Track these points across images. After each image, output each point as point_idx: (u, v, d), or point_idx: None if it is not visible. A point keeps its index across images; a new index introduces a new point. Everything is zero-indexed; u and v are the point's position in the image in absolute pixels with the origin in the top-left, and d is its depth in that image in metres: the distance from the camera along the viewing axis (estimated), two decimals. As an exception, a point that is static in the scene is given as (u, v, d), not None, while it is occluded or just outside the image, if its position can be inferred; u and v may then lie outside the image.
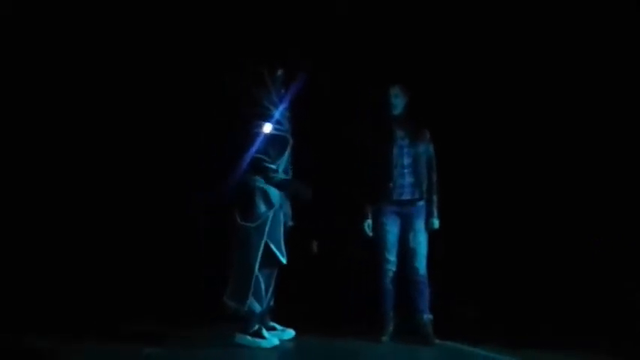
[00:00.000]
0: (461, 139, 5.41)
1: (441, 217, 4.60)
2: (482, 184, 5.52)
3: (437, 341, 4.40)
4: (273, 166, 4.29)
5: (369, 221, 4.66)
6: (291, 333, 4.50)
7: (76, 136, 5.99)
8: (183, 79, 5.81)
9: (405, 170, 4.58)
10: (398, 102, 4.68)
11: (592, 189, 5.23)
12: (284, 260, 4.35)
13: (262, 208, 4.24)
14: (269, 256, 4.28)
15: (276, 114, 4.34)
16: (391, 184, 4.56)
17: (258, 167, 4.26)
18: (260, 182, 4.26)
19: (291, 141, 4.43)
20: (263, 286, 4.29)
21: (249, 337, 4.21)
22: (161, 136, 5.97)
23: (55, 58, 5.85)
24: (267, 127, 4.27)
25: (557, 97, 5.37)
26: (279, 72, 4.45)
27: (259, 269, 4.23)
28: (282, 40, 5.15)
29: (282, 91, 4.44)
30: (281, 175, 4.34)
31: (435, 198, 4.61)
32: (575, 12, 5.18)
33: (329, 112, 5.41)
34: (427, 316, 4.49)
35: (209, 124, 5.45)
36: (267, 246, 4.25)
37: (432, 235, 4.61)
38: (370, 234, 4.65)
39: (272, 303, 4.46)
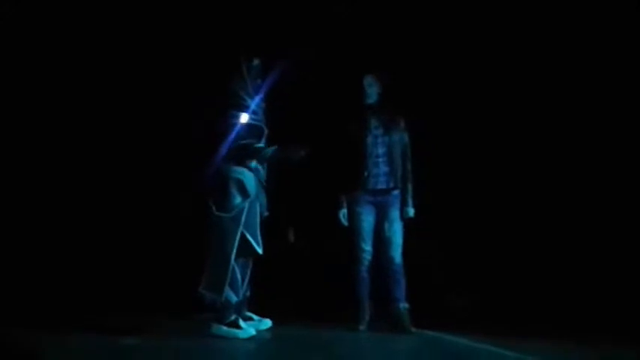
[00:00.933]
0: (440, 127, 5.44)
1: (417, 206, 4.62)
2: (470, 173, 5.56)
3: (414, 330, 4.42)
4: (261, 144, 4.29)
5: (345, 211, 4.68)
6: (267, 323, 4.48)
7: (60, 133, 5.93)
8: (173, 78, 5.78)
9: (380, 159, 4.60)
10: (372, 91, 4.70)
11: (581, 175, 5.33)
12: (260, 250, 4.32)
13: (238, 198, 4.22)
14: (245, 247, 4.25)
15: (252, 104, 4.32)
16: (366, 174, 4.58)
17: (248, 152, 4.24)
18: (235, 172, 4.24)
19: (266, 131, 4.42)
20: (239, 277, 4.27)
21: (225, 328, 4.18)
22: (146, 131, 5.93)
23: (54, 58, 5.81)
24: (244, 117, 4.26)
25: (534, 81, 5.45)
26: (256, 62, 4.43)
27: (235, 259, 4.20)
28: (260, 30, 5.14)
29: (259, 81, 4.43)
30: (254, 167, 4.33)
31: (409, 187, 4.64)
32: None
33: (304, 103, 5.41)
34: (403, 305, 4.51)
35: (197, 120, 5.39)
36: (243, 236, 4.23)
37: (419, 225, 4.63)
38: (346, 223, 4.67)
39: (248, 293, 4.44)
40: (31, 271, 5.53)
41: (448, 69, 5.62)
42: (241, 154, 4.24)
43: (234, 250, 4.18)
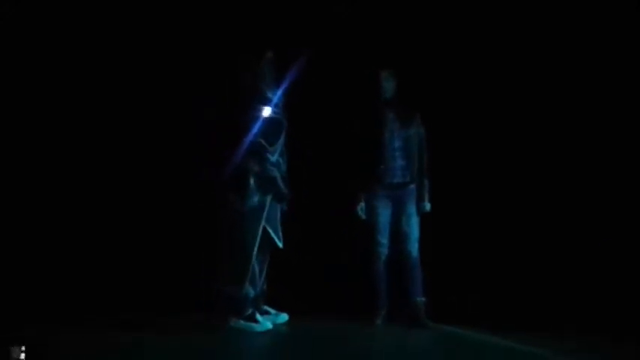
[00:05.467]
0: (454, 122, 5.41)
1: (434, 201, 4.62)
2: (481, 167, 5.53)
3: (431, 324, 4.43)
4: (272, 158, 4.28)
5: (362, 204, 4.67)
6: (284, 317, 4.50)
7: (72, 126, 5.96)
8: (177, 71, 5.79)
9: (397, 153, 4.59)
10: (388, 86, 4.69)
11: (589, 179, 5.29)
12: (280, 244, 4.36)
13: (260, 192, 4.24)
14: (265, 241, 4.30)
15: (274, 98, 4.33)
16: (383, 168, 4.57)
17: (257, 153, 4.24)
18: (257, 166, 4.25)
19: (286, 124, 4.42)
20: (257, 270, 4.30)
21: (242, 322, 4.21)
22: (157, 123, 5.93)
23: (55, 58, 5.82)
24: (267, 111, 4.26)
25: (549, 82, 5.41)
26: (269, 54, 4.42)
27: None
28: (274, 25, 5.13)
29: (276, 74, 4.43)
30: (276, 161, 4.33)
31: (426, 181, 4.63)
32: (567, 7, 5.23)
33: (320, 98, 5.39)
34: (420, 299, 4.51)
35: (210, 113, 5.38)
36: (264, 230, 4.27)
37: (432, 219, 4.63)
38: (363, 217, 4.67)
39: (265, 287, 4.46)
40: (35, 269, 5.57)
41: (457, 65, 5.58)
42: (259, 153, 4.26)
43: (257, 245, 4.21)
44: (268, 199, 4.26)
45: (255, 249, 4.21)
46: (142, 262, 5.65)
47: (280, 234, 4.38)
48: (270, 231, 4.29)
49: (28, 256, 5.57)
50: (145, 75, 5.79)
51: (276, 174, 4.30)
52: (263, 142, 4.24)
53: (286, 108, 4.46)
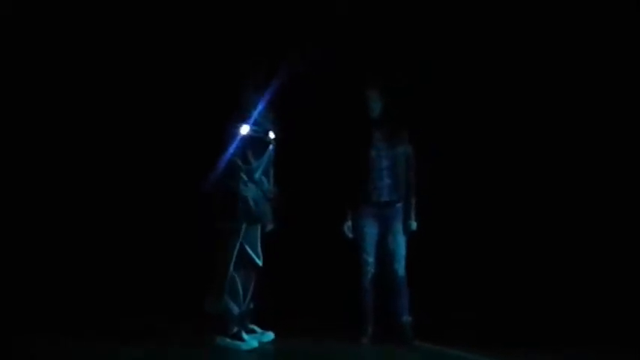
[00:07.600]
0: (442, 141, 5.45)
1: (420, 219, 4.62)
2: (469, 185, 5.57)
3: (417, 343, 4.41)
4: (245, 177, 4.26)
5: (349, 223, 4.67)
6: (270, 335, 4.46)
7: (74, 133, 5.99)
8: (181, 74, 5.82)
9: (384, 172, 4.58)
10: (376, 105, 4.71)
11: (576, 201, 5.35)
12: (259, 262, 4.37)
13: (239, 210, 4.25)
14: (246, 258, 4.30)
15: (255, 115, 4.32)
16: (370, 186, 4.58)
17: (233, 171, 4.25)
18: (237, 184, 4.25)
19: (271, 142, 4.42)
20: (240, 288, 4.29)
21: (228, 340, 4.20)
22: (157, 130, 5.95)
23: (56, 58, 5.86)
24: (245, 129, 4.27)
25: (538, 97, 5.48)
26: (258, 71, 4.43)
27: (236, 270, 4.24)
28: (264, 40, 5.16)
29: (262, 91, 4.41)
30: (258, 179, 4.33)
31: (413, 200, 4.62)
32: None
33: (307, 117, 5.41)
34: (406, 318, 4.49)
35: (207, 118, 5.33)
36: (242, 248, 4.27)
37: (422, 236, 4.63)
38: (350, 235, 4.67)
39: (251, 305, 4.44)
40: (35, 274, 5.58)
41: (445, 83, 5.63)
42: (234, 171, 4.25)
43: (233, 261, 4.22)
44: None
45: (231, 266, 4.21)
46: (133, 270, 5.71)
47: (259, 252, 4.37)
48: (248, 249, 4.30)
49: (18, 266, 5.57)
50: (142, 81, 5.84)
51: (248, 194, 4.27)
52: (238, 161, 4.25)
53: (275, 127, 4.45)
